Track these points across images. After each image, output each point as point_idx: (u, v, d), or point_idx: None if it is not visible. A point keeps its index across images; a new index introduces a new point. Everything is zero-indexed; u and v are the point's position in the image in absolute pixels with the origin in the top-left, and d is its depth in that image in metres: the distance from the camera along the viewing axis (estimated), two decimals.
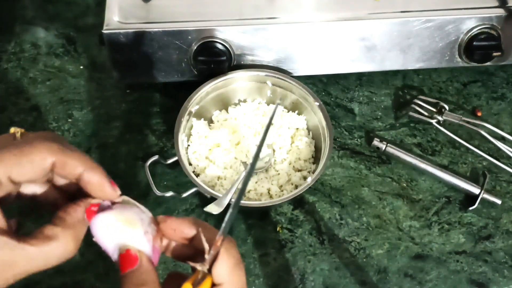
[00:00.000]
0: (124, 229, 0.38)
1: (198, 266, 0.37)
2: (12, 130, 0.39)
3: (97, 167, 0.39)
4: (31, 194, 0.41)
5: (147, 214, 0.40)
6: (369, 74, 0.83)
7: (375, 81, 0.83)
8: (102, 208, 0.39)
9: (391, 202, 0.72)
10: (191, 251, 0.41)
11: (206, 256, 0.37)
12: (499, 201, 0.71)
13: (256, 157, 0.42)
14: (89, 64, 0.84)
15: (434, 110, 0.76)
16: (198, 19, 0.72)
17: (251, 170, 0.41)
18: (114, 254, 0.39)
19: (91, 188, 0.39)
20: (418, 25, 0.74)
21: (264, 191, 0.69)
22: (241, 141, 0.73)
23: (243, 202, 0.66)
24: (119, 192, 0.40)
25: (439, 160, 0.76)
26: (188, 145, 0.72)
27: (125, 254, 0.37)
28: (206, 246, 0.37)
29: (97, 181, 0.38)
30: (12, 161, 0.35)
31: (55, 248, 0.36)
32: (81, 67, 0.83)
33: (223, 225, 0.38)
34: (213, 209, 0.64)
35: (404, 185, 0.73)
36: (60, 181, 0.41)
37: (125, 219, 0.39)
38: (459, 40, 0.76)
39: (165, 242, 0.41)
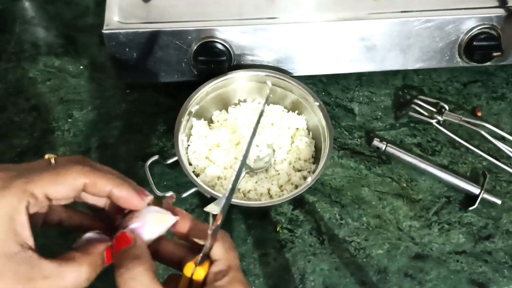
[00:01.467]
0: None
1: (202, 242, 0.42)
2: (47, 156, 0.43)
3: (124, 183, 0.43)
4: (57, 219, 0.44)
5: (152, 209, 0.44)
6: (369, 74, 0.83)
7: (375, 81, 0.83)
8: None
9: (391, 202, 0.72)
10: (183, 252, 0.44)
11: (209, 232, 0.41)
12: (499, 201, 0.71)
13: (247, 152, 0.47)
14: (89, 64, 0.84)
15: (434, 110, 0.77)
16: (198, 19, 0.72)
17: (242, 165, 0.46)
18: None
19: (121, 202, 0.43)
20: (418, 25, 0.74)
21: (264, 191, 0.69)
22: (241, 141, 0.73)
23: (243, 202, 0.66)
24: (147, 201, 0.43)
25: (439, 160, 0.76)
26: (188, 145, 0.72)
27: (120, 235, 0.41)
28: (211, 221, 0.42)
29: (125, 196, 0.42)
30: (50, 181, 0.39)
31: (71, 270, 0.39)
32: (81, 67, 0.83)
33: (223, 201, 0.43)
34: (213, 209, 0.63)
35: (404, 185, 0.73)
36: (89, 198, 0.44)
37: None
38: (459, 40, 0.76)
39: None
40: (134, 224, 0.42)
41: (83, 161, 0.43)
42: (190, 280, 0.41)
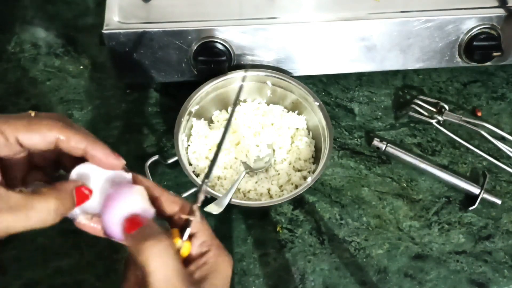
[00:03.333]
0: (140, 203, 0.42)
1: (187, 217, 0.43)
2: (30, 111, 0.43)
3: (99, 142, 0.42)
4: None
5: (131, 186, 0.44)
6: (369, 74, 0.83)
7: (375, 81, 0.83)
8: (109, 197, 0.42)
9: (391, 202, 0.72)
10: None
11: (194, 208, 0.43)
12: (499, 201, 0.71)
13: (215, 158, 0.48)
14: (89, 64, 0.84)
15: (434, 110, 0.77)
16: (198, 19, 0.72)
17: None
18: (116, 225, 0.41)
19: (97, 161, 0.42)
20: (418, 25, 0.74)
21: (264, 191, 0.69)
22: (241, 141, 0.73)
23: (243, 202, 0.66)
24: (123, 161, 0.43)
25: (439, 160, 0.76)
26: (188, 145, 0.72)
27: (133, 218, 0.40)
28: (199, 196, 0.44)
29: (101, 154, 0.42)
30: (23, 127, 0.40)
31: (38, 202, 0.38)
32: (81, 67, 0.83)
33: (208, 170, 0.45)
34: (213, 209, 0.64)
35: (404, 185, 0.73)
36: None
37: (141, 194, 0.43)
38: (459, 40, 0.76)
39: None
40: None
41: (61, 118, 0.43)
42: None
